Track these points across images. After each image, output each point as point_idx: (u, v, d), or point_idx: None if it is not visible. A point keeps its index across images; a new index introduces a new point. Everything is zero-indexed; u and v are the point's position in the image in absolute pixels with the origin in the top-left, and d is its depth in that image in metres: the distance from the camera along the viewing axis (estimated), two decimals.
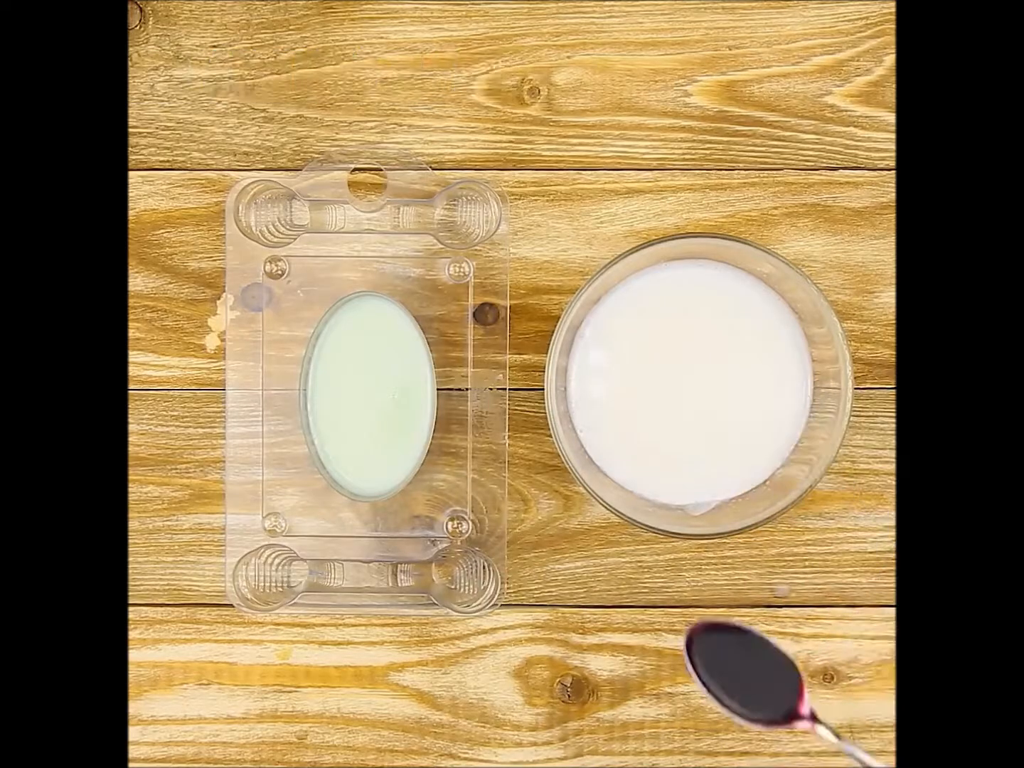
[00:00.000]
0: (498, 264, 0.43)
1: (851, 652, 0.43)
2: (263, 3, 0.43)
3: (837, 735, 0.37)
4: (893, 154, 0.43)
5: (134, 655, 0.43)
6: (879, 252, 0.43)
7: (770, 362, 0.41)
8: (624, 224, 0.43)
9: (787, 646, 0.43)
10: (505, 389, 0.43)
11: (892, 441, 0.43)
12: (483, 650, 0.43)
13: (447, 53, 0.43)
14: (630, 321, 0.41)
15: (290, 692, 0.43)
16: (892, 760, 0.43)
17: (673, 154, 0.43)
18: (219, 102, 0.43)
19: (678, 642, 0.43)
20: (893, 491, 0.43)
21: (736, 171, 0.43)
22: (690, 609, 0.43)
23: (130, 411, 0.43)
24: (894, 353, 0.43)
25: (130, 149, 0.43)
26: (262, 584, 0.43)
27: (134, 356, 0.43)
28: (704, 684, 0.38)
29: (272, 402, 0.43)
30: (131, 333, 0.43)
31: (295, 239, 0.42)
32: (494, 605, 0.42)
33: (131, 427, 0.43)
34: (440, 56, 0.43)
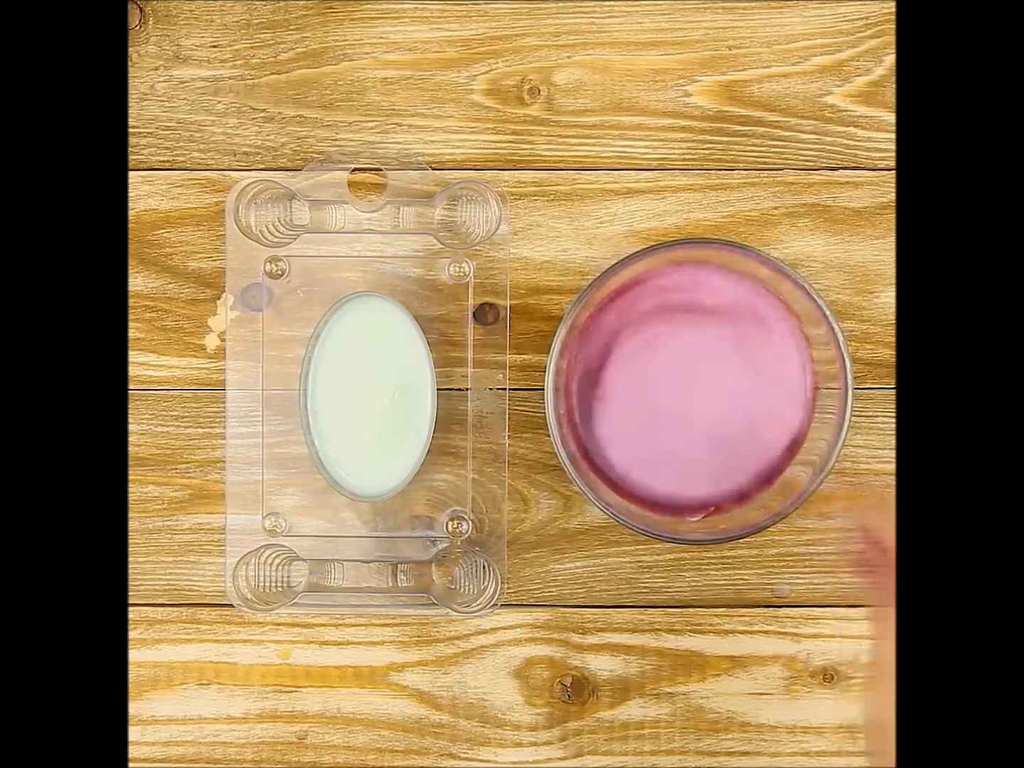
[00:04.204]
0: (498, 264, 0.43)
1: (851, 652, 0.43)
2: (263, 3, 0.43)
3: None
4: (893, 154, 0.43)
5: (134, 655, 0.43)
6: (879, 252, 0.43)
7: (770, 363, 0.41)
8: (624, 224, 0.43)
9: (787, 646, 0.43)
10: (505, 389, 0.43)
11: (892, 441, 0.43)
12: (483, 650, 0.43)
13: (447, 53, 0.43)
14: (629, 323, 0.41)
15: (290, 692, 0.43)
16: (892, 760, 0.43)
17: (673, 154, 0.43)
18: (219, 102, 0.43)
19: (678, 642, 0.43)
20: (893, 491, 0.43)
21: (736, 171, 0.43)
22: (690, 609, 0.43)
23: (130, 411, 0.43)
24: (894, 353, 0.43)
25: (130, 149, 0.43)
26: (262, 584, 0.43)
27: (134, 356, 0.43)
28: None
29: (272, 402, 0.43)
30: (131, 333, 0.43)
31: (295, 239, 0.42)
32: (494, 605, 0.42)
33: (131, 427, 0.43)
34: (440, 56, 0.43)
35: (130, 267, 0.43)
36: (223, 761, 0.44)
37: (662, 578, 0.43)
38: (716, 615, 0.43)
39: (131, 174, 0.43)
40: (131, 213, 0.43)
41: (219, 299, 0.43)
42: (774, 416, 0.41)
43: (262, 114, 0.43)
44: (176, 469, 0.43)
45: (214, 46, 0.43)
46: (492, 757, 0.43)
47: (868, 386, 0.43)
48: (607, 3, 0.43)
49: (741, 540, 0.43)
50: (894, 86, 0.43)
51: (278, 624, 0.43)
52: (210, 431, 0.43)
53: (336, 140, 0.43)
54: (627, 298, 0.41)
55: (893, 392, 0.43)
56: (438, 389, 0.42)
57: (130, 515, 0.43)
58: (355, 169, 0.43)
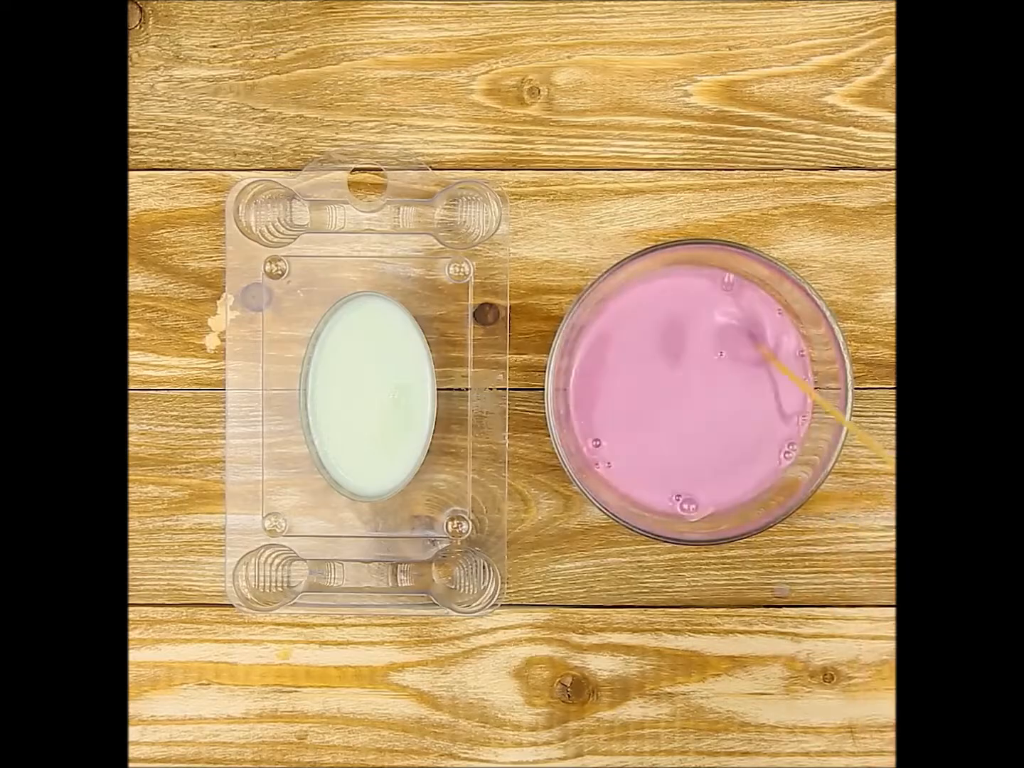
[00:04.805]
0: (498, 264, 0.43)
1: (851, 652, 0.43)
2: (263, 3, 0.43)
3: None
4: (893, 154, 0.43)
5: (134, 655, 0.43)
6: (879, 252, 0.43)
7: (769, 364, 0.41)
8: (624, 224, 0.43)
9: (787, 646, 0.43)
10: (505, 389, 0.43)
11: (892, 441, 0.43)
12: (483, 650, 0.43)
13: (447, 53, 0.43)
14: (629, 324, 0.41)
15: (290, 692, 0.43)
16: (892, 760, 0.43)
17: (673, 154, 0.43)
18: (219, 102, 0.43)
19: (678, 642, 0.43)
20: (893, 491, 0.43)
21: (736, 171, 0.43)
22: (690, 609, 0.43)
23: (130, 411, 0.43)
24: (894, 353, 0.43)
25: (130, 149, 0.43)
26: (262, 584, 0.43)
27: (134, 356, 0.43)
28: None
29: (272, 402, 0.43)
30: (131, 333, 0.43)
31: (295, 239, 0.42)
32: (494, 605, 0.42)
33: (131, 427, 0.43)
34: (440, 56, 0.43)
35: (130, 267, 0.43)
36: (223, 761, 0.44)
37: (662, 578, 0.43)
38: (716, 615, 0.43)
39: (131, 174, 0.43)
40: (131, 213, 0.43)
41: (219, 299, 0.43)
42: (773, 416, 0.41)
43: (262, 114, 0.43)
44: (176, 469, 0.43)
45: (214, 46, 0.43)
46: (492, 757, 0.43)
47: (868, 386, 0.43)
48: (607, 3, 0.43)
49: (741, 540, 0.43)
50: (894, 86, 0.43)
51: (278, 624, 0.43)
52: (210, 431, 0.43)
53: (336, 140, 0.43)
54: (627, 298, 0.41)
55: (893, 392, 0.43)
56: (438, 389, 0.42)
57: (130, 515, 0.43)
58: (355, 169, 0.43)
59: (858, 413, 0.43)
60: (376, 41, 0.43)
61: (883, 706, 0.43)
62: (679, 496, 0.41)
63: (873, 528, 0.43)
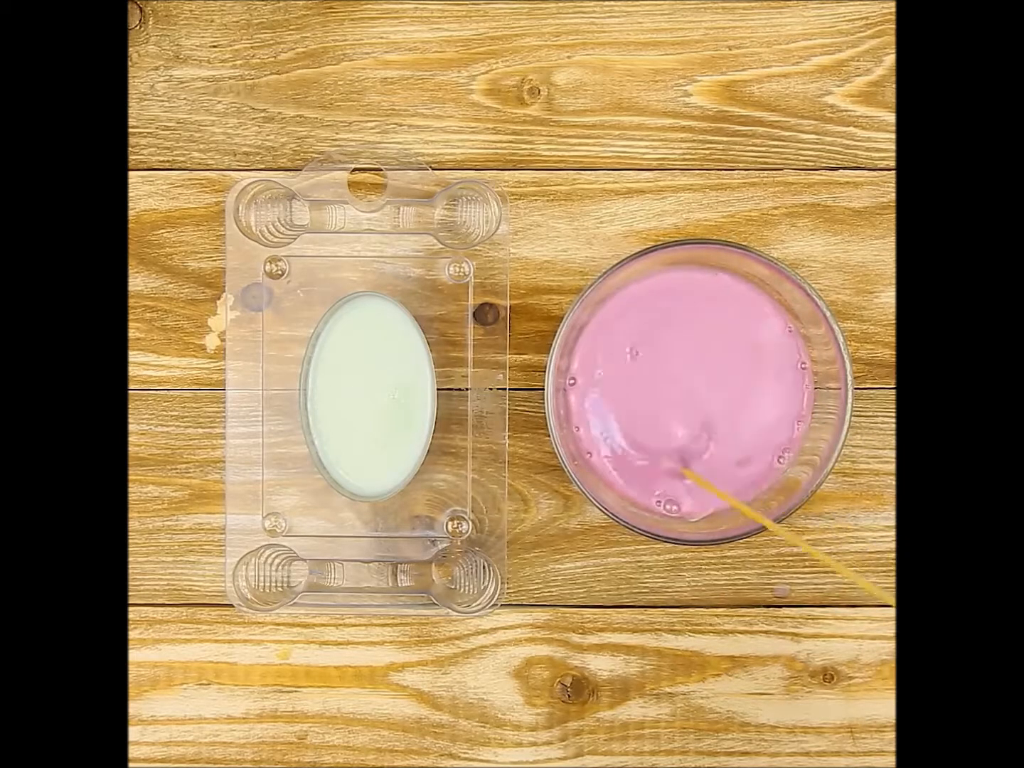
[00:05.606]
0: (498, 264, 0.43)
1: (851, 652, 0.43)
2: (263, 3, 0.43)
3: None
4: (893, 154, 0.43)
5: (134, 655, 0.43)
6: (879, 252, 0.43)
7: (769, 364, 0.41)
8: (624, 224, 0.43)
9: (787, 646, 0.43)
10: (505, 389, 0.43)
11: (892, 441, 0.43)
12: (483, 650, 0.43)
13: (447, 53, 0.43)
14: (629, 324, 0.41)
15: (290, 692, 0.43)
16: (892, 760, 0.43)
17: (673, 154, 0.43)
18: (219, 102, 0.43)
19: (678, 642, 0.43)
20: (893, 491, 0.43)
21: (736, 171, 0.43)
22: (690, 609, 0.43)
23: (130, 411, 0.43)
24: (894, 353, 0.43)
25: (130, 149, 0.43)
26: (262, 584, 0.43)
27: (134, 356, 0.43)
28: None
29: (272, 402, 0.43)
30: (131, 333, 0.43)
31: (295, 239, 0.42)
32: (494, 605, 0.42)
33: (131, 427, 0.43)
34: (440, 56, 0.43)
35: (130, 267, 0.43)
36: (223, 761, 0.44)
37: (662, 578, 0.43)
38: (716, 615, 0.43)
39: (131, 174, 0.43)
40: (131, 213, 0.43)
41: (219, 299, 0.43)
42: (773, 416, 0.41)
43: (262, 114, 0.43)
44: (176, 469, 0.43)
45: (214, 46, 0.43)
46: (492, 757, 0.43)
47: (868, 386, 0.43)
48: (607, 3, 0.43)
49: (741, 540, 0.43)
50: (894, 86, 0.43)
51: (278, 624, 0.43)
52: (210, 431, 0.43)
53: (336, 140, 0.43)
54: (626, 298, 0.41)
55: (893, 392, 0.43)
56: (438, 389, 0.42)
57: (130, 515, 0.43)
58: (355, 169, 0.43)
59: (858, 413, 0.43)
60: (376, 41, 0.43)
61: (883, 706, 0.43)
62: (659, 500, 0.41)
63: (873, 528, 0.43)
